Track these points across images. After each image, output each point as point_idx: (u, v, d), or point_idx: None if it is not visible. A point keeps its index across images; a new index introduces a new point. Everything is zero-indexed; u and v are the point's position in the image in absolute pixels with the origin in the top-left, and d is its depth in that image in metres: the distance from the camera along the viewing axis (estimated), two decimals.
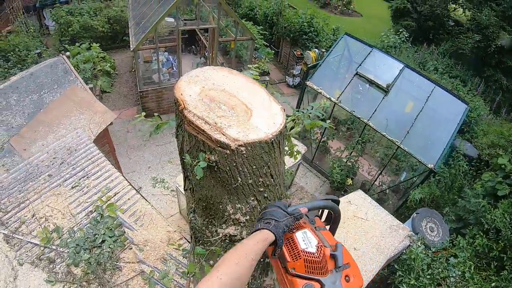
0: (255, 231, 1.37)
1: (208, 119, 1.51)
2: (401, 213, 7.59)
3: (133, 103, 10.61)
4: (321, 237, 1.46)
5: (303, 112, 2.69)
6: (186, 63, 11.90)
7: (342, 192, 8.02)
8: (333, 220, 1.73)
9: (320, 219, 1.73)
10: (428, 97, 7.35)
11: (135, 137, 9.28)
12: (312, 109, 2.58)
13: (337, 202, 1.69)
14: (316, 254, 1.32)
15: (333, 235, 1.65)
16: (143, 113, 2.48)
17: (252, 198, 1.67)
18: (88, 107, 5.81)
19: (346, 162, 8.07)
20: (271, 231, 1.34)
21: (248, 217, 1.72)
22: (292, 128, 2.65)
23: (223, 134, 1.47)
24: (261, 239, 1.32)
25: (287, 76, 12.84)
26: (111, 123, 5.88)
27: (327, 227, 1.71)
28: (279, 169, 1.76)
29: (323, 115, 2.62)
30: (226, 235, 1.77)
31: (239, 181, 1.58)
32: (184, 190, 2.00)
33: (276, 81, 12.86)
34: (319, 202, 1.65)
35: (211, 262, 1.96)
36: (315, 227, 1.55)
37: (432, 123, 7.31)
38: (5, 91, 5.36)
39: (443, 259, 5.36)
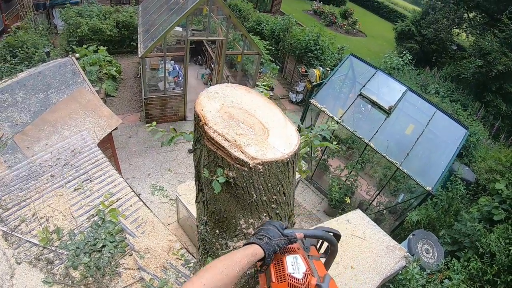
0: (246, 244, 1.40)
1: (228, 136, 1.56)
2: (397, 233, 7.63)
3: (137, 108, 10.67)
4: (311, 266, 1.45)
5: (311, 131, 2.76)
6: (191, 74, 12.03)
7: (340, 211, 8.05)
8: (330, 253, 1.70)
9: (319, 250, 1.70)
10: (429, 120, 7.46)
11: (136, 143, 9.31)
12: (321, 130, 2.64)
13: (338, 237, 1.67)
14: (301, 281, 1.32)
15: (327, 269, 1.65)
16: (154, 123, 2.55)
17: (264, 214, 1.73)
18: (94, 110, 5.86)
19: (345, 181, 8.13)
20: (261, 247, 1.36)
21: None
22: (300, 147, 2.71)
23: (242, 152, 1.52)
24: (250, 253, 1.33)
25: (290, 92, 12.96)
26: (116, 128, 5.92)
27: (323, 259, 1.68)
28: (291, 187, 1.82)
29: (330, 136, 2.68)
30: (236, 249, 1.82)
31: (254, 197, 1.63)
32: (196, 202, 2.05)
33: (279, 96, 12.98)
34: (318, 231, 1.63)
35: None
36: (308, 255, 1.55)
37: (432, 146, 7.42)
38: (12, 88, 5.37)
39: (438, 281, 5.40)
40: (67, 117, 5.40)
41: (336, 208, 8.16)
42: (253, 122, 1.73)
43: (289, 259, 1.40)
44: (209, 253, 2.01)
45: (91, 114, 5.76)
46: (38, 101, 5.47)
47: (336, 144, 2.78)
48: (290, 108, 12.58)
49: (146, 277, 3.40)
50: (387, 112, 7.58)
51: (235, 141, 1.55)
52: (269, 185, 1.63)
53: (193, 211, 5.89)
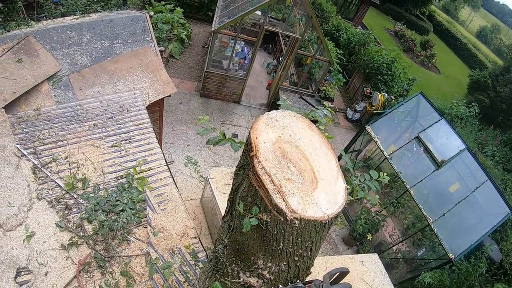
0: None
1: (275, 178, 1.47)
2: (405, 287, 7.30)
3: (195, 78, 10.77)
4: None
5: (357, 178, 2.60)
6: (258, 60, 11.96)
7: (358, 244, 7.83)
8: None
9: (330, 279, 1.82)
10: (477, 187, 7.00)
11: (185, 111, 9.42)
12: (369, 179, 2.48)
13: (346, 273, 1.85)
14: None
15: None
16: (207, 117, 2.50)
17: (284, 263, 1.64)
18: (153, 72, 5.95)
19: (373, 217, 7.85)
20: None
21: (273, 277, 1.69)
22: None
23: (284, 201, 1.43)
24: None
25: (348, 108, 12.58)
26: (169, 95, 5.98)
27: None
28: (320, 245, 1.71)
29: (376, 189, 2.51)
30: (246, 283, 1.75)
31: (280, 246, 1.54)
32: (222, 219, 1.98)
33: (336, 109, 12.63)
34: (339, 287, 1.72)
35: None
36: None
37: (471, 215, 7.01)
38: (81, 27, 5.44)
39: None
40: (126, 72, 5.50)
41: (355, 240, 7.94)
42: (305, 168, 1.62)
43: None
44: (218, 272, 1.96)
45: (150, 75, 5.85)
46: (102, 47, 5.56)
47: (380, 201, 2.62)
48: (344, 125, 12.24)
49: (152, 254, 3.43)
50: (438, 165, 7.17)
51: (281, 186, 1.45)
52: (299, 239, 1.53)
53: (218, 197, 5.90)
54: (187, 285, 3.33)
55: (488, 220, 6.81)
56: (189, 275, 3.44)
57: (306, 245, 1.58)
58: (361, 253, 7.70)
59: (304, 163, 1.64)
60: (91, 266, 3.18)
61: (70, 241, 3.23)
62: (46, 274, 2.99)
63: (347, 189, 1.69)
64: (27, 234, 3.12)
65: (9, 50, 4.56)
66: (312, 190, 1.54)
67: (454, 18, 40.76)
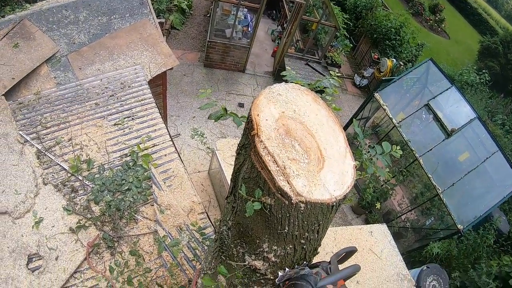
0: None
1: (278, 158, 1.37)
2: (413, 256, 7.36)
3: (198, 48, 10.52)
4: None
5: (364, 150, 2.50)
6: (261, 27, 11.61)
7: (367, 212, 7.84)
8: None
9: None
10: (487, 158, 6.87)
11: (189, 83, 9.26)
12: (381, 153, 2.38)
13: (354, 252, 1.82)
14: None
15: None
16: (209, 90, 2.40)
17: (290, 246, 1.57)
18: (153, 46, 5.77)
19: (382, 185, 7.81)
20: None
21: (279, 260, 1.63)
22: None
23: (289, 183, 1.33)
24: None
25: (356, 74, 12.27)
26: (171, 68, 5.83)
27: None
28: (327, 227, 1.63)
29: (388, 163, 2.41)
30: (252, 266, 1.69)
31: (285, 230, 1.47)
32: (225, 199, 1.91)
33: (343, 75, 12.33)
34: (347, 271, 1.64)
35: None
36: None
37: (480, 185, 6.95)
38: (77, 5, 5.25)
39: None
40: (125, 47, 5.34)
41: (364, 208, 7.97)
42: (310, 146, 1.51)
43: None
44: (224, 253, 1.91)
45: (150, 49, 5.68)
46: (100, 24, 5.38)
47: (389, 174, 2.52)
48: (352, 91, 12.00)
49: (160, 232, 3.43)
50: (448, 134, 7.02)
51: (285, 167, 1.35)
52: (305, 223, 1.45)
53: (226, 169, 5.86)
54: (196, 262, 3.34)
55: (497, 191, 6.76)
56: (197, 252, 3.45)
57: (313, 228, 1.50)
58: (370, 222, 7.74)
59: (309, 141, 1.53)
60: (100, 247, 3.19)
61: (78, 224, 3.23)
62: (56, 259, 3.02)
63: (355, 166, 1.59)
64: (35, 220, 3.13)
65: (4, 36, 4.45)
66: (319, 170, 1.44)
67: None
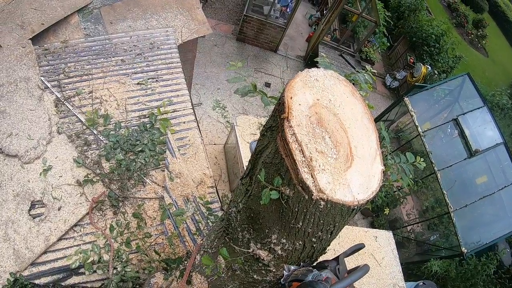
0: None
1: (306, 148, 1.26)
2: (411, 268, 7.26)
3: (233, 21, 10.31)
4: None
5: (390, 157, 2.37)
6: (300, 10, 11.35)
7: (373, 215, 7.74)
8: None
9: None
10: (505, 187, 6.64)
11: (219, 54, 9.12)
12: (405, 162, 2.25)
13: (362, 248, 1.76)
14: None
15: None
16: (239, 63, 2.29)
17: (300, 242, 1.49)
18: (188, 10, 5.63)
19: (394, 192, 7.66)
20: None
21: (285, 254, 1.55)
22: None
23: (312, 177, 1.23)
24: None
25: (388, 75, 11.93)
26: (204, 36, 5.70)
27: None
28: (341, 228, 1.54)
29: (411, 173, 2.29)
30: (255, 255, 1.62)
31: (299, 225, 1.38)
32: (240, 179, 1.82)
33: (375, 73, 11.99)
34: (358, 274, 1.51)
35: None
36: None
37: (492, 213, 6.80)
38: None
39: None
40: (160, 7, 5.21)
41: (372, 211, 7.87)
42: (341, 141, 1.40)
43: None
44: (228, 235, 1.84)
45: (185, 13, 5.54)
46: None
47: (413, 183, 2.41)
48: (381, 91, 11.71)
49: (166, 199, 3.39)
50: (471, 154, 6.79)
51: (311, 159, 1.25)
52: (321, 221, 1.36)
53: (242, 146, 5.80)
54: (198, 236, 3.31)
55: (508, 222, 6.63)
56: (200, 225, 3.41)
57: (328, 228, 1.41)
58: (375, 226, 7.64)
59: (341, 135, 1.41)
60: (104, 204, 3.17)
61: (86, 178, 3.21)
62: (59, 209, 3.01)
63: (383, 171, 1.48)
64: (44, 168, 3.11)
65: None
66: (346, 169, 1.33)
67: None
